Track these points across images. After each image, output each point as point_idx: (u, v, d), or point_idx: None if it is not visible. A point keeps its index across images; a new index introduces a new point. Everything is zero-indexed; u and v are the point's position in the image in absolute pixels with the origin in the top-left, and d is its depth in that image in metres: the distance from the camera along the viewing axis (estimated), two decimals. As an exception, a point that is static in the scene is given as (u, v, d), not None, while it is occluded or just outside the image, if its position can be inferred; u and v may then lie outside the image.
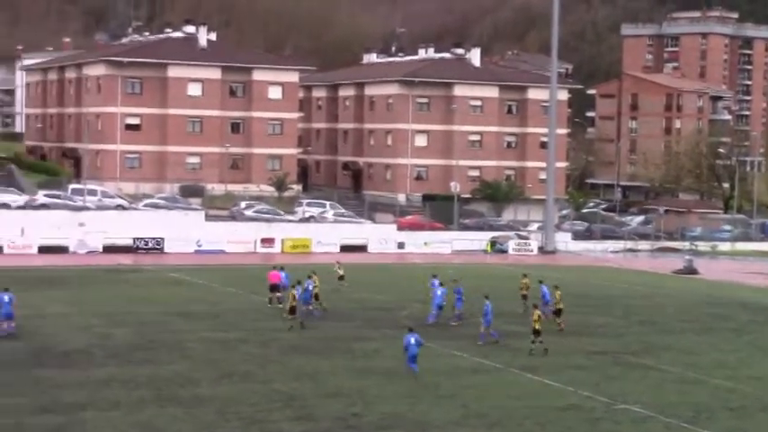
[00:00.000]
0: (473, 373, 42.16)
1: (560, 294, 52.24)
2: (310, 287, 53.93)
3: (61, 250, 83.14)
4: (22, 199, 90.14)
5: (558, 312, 51.96)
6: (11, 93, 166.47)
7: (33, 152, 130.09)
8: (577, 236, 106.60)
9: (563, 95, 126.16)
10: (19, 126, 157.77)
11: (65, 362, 41.82)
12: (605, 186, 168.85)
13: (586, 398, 38.33)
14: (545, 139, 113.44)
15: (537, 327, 45.84)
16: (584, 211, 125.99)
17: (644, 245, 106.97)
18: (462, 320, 52.94)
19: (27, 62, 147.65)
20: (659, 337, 51.92)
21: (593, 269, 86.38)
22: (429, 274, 58.44)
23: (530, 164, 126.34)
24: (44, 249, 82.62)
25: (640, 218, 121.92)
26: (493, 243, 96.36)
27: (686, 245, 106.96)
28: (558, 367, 43.69)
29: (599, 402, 37.73)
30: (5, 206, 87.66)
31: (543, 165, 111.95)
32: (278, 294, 56.41)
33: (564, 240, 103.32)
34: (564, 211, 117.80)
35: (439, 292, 53.25)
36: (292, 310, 50.53)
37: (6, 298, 47.86)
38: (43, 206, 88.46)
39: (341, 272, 65.99)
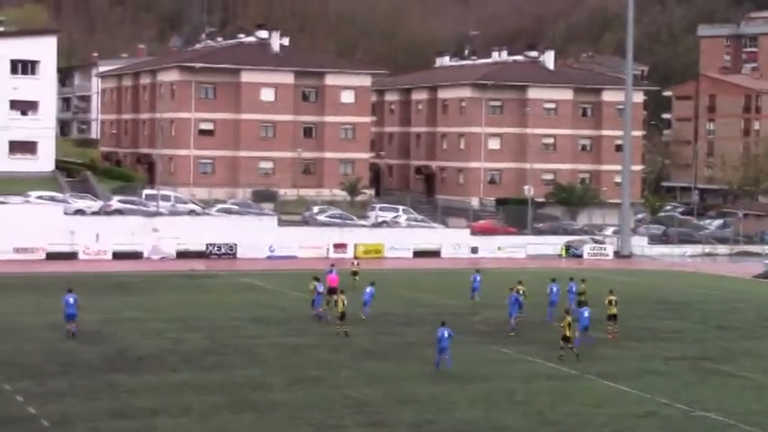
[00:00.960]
0: (548, 380, 41.79)
1: (615, 300, 51.48)
2: (320, 289, 54.33)
3: (135, 256, 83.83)
4: (96, 205, 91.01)
5: (612, 318, 51.21)
6: (87, 99, 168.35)
7: (108, 158, 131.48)
8: (654, 240, 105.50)
9: (638, 98, 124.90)
10: (94, 132, 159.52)
11: (138, 367, 42.10)
12: (682, 189, 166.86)
13: (664, 405, 37.77)
14: (620, 142, 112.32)
15: (567, 333, 45.33)
16: (661, 214, 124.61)
17: (722, 249, 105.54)
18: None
19: (102, 69, 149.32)
20: (738, 343, 51.10)
21: (669, 274, 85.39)
22: (549, 279, 58.56)
23: (605, 167, 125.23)
24: (119, 255, 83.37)
25: (718, 221, 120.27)
26: (567, 247, 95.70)
27: (766, 249, 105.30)
28: (635, 374, 43.17)
29: (677, 410, 37.15)
30: (81, 212, 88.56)
31: (618, 168, 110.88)
32: (334, 298, 55.28)
33: (640, 245, 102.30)
34: (640, 215, 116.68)
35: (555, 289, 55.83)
36: (342, 316, 50.19)
37: (71, 300, 48.50)
38: (118, 212, 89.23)
39: (355, 268, 68.56)
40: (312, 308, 54.78)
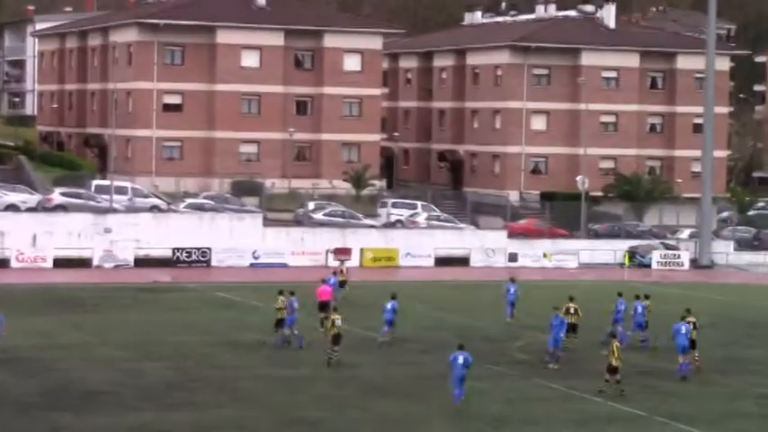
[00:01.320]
0: (608, 423, 41.89)
1: (694, 322, 51.50)
2: (295, 304, 54.80)
3: (82, 264, 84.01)
4: (33, 199, 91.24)
5: (691, 344, 51.28)
6: (20, 65, 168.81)
7: (48, 140, 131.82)
8: (742, 245, 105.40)
9: (723, 64, 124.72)
10: (30, 107, 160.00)
11: (86, 405, 42.23)
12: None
13: (755, 456, 37.86)
14: (700, 121, 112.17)
15: (615, 363, 45.72)
16: (751, 213, 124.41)
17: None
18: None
19: (40, 26, 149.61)
20: None
21: (761, 289, 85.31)
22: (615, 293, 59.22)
23: (679, 153, 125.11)
24: (61, 262, 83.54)
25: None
26: (631, 255, 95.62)
27: None
28: (718, 416, 43.23)
29: (772, 462, 37.24)
30: (14, 208, 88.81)
31: (697, 154, 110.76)
32: (326, 314, 56.91)
33: (724, 251, 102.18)
34: (724, 214, 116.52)
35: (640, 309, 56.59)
36: (336, 340, 50.37)
37: None
38: (60, 208, 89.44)
39: (343, 277, 69.27)
40: (276, 329, 54.89)
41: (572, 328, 54.10)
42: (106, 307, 66.70)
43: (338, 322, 50.45)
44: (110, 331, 58.16)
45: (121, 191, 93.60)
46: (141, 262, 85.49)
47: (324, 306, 58.22)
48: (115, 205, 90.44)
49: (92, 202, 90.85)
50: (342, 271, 71.25)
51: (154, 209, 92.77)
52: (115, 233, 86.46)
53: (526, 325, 61.74)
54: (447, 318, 65.06)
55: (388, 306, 56.81)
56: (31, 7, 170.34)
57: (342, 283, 68.85)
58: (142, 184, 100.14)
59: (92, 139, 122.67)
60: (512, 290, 64.87)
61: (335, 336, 50.23)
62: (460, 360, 43.67)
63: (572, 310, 54.88)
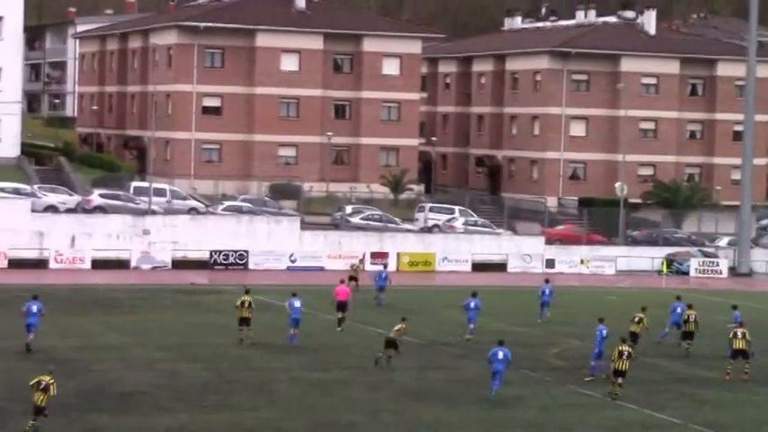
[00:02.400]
0: (643, 430, 41.81)
1: (744, 332, 51.31)
2: (296, 303, 56.05)
3: (120, 265, 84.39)
4: (72, 200, 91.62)
5: (739, 354, 51.05)
6: (61, 67, 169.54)
7: (87, 141, 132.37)
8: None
9: (764, 71, 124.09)
10: (70, 109, 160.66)
11: (123, 406, 42.42)
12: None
13: (791, 465, 37.72)
14: (740, 129, 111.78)
15: (622, 367, 46.32)
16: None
17: None
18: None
19: (81, 28, 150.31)
20: None
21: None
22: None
23: (719, 160, 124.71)
24: (99, 264, 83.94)
25: None
26: (670, 262, 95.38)
27: None
28: (754, 424, 43.17)
29: (807, 471, 37.09)
30: (53, 209, 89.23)
31: (737, 161, 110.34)
32: (344, 315, 60.56)
33: (763, 259, 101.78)
34: (764, 222, 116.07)
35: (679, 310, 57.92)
36: (389, 344, 51.05)
37: (34, 308, 50.75)
38: (99, 209, 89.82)
39: (353, 272, 73.36)
40: (241, 328, 55.44)
41: (633, 338, 53.71)
42: (143, 308, 66.97)
43: (398, 326, 51.10)
44: (147, 332, 58.39)
45: (160, 193, 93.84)
46: (179, 264, 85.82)
47: (342, 306, 60.28)
48: (154, 207, 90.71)
49: (130, 204, 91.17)
50: (354, 266, 74.74)
51: (192, 211, 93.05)
52: (153, 235, 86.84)
53: (562, 332, 61.69)
54: (483, 323, 64.88)
55: (471, 304, 59.08)
56: (72, 9, 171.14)
57: (352, 279, 72.02)
58: (181, 187, 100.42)
59: (131, 141, 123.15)
60: (546, 291, 66.10)
61: (388, 341, 50.52)
62: (500, 355, 45.37)
63: (636, 320, 54.79)
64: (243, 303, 55.77)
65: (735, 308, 58.39)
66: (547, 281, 68.92)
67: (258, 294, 72.96)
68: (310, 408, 43.07)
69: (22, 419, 38.49)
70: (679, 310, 58.43)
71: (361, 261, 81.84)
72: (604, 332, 50.37)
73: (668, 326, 59.11)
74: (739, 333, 51.35)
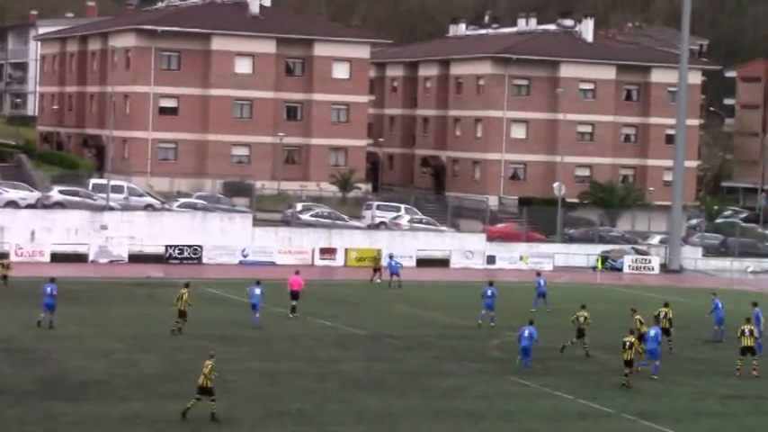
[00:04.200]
0: (579, 419, 41.97)
1: (751, 329, 51.66)
2: (256, 291, 58.70)
3: (79, 259, 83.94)
4: (33, 196, 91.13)
5: (751, 350, 51.44)
6: (22, 67, 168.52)
7: (48, 139, 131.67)
8: (710, 252, 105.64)
9: (695, 78, 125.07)
10: (31, 108, 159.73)
11: (81, 394, 42.22)
12: (746, 191, 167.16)
13: (718, 453, 37.95)
14: (672, 132, 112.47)
15: (628, 357, 46.93)
16: (719, 221, 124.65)
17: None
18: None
19: (42, 30, 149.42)
20: (810, 380, 51.25)
21: (727, 293, 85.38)
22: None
23: (652, 162, 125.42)
24: (58, 257, 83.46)
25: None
26: (604, 259, 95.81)
27: None
28: (684, 414, 43.33)
29: (734, 459, 37.32)
30: (13, 204, 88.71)
31: (669, 163, 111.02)
32: (296, 303, 61.92)
33: (692, 257, 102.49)
34: (693, 221, 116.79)
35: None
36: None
37: (49, 289, 54.94)
38: (58, 205, 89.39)
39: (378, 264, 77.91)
40: (179, 320, 55.72)
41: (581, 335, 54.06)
42: (101, 301, 66.65)
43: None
44: (104, 324, 58.16)
45: (118, 190, 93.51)
46: (135, 258, 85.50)
47: (294, 295, 61.99)
48: (111, 203, 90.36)
49: (89, 200, 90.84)
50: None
51: (148, 207, 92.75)
52: (111, 230, 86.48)
53: (502, 325, 61.82)
54: (427, 316, 65.09)
55: (489, 292, 61.17)
56: (34, 12, 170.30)
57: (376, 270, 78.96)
58: (138, 184, 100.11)
59: (90, 140, 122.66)
60: (541, 282, 68.57)
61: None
62: (526, 333, 49.10)
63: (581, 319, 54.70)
64: (181, 297, 55.75)
65: (755, 305, 58.10)
66: (538, 273, 72.19)
67: (211, 288, 73.00)
68: (262, 397, 43.02)
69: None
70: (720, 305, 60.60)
71: (379, 253, 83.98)
72: (532, 332, 50.52)
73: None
74: (747, 330, 51.55)
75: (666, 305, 56.95)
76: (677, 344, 56.72)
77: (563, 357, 52.88)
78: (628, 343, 47.20)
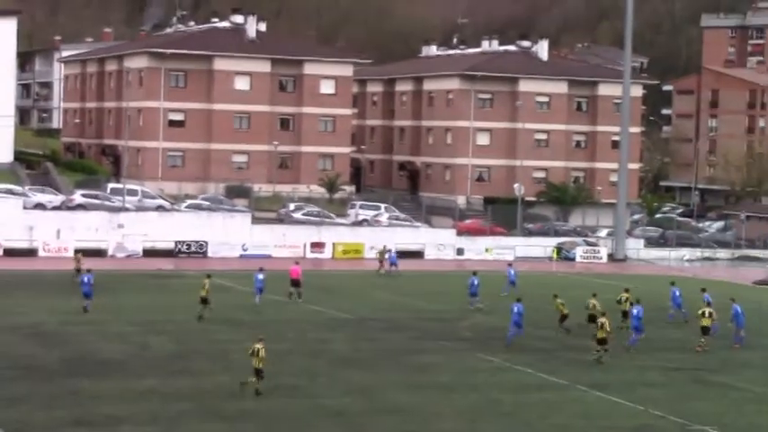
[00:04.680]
0: (538, 390, 41.96)
1: (710, 312, 51.66)
2: (260, 276, 60.33)
3: (98, 254, 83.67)
4: (58, 199, 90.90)
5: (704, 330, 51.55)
6: (48, 86, 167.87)
7: (71, 149, 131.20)
8: (650, 243, 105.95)
9: (637, 91, 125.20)
10: (56, 122, 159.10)
11: (101, 372, 42.10)
12: (681, 190, 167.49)
13: (659, 417, 37.98)
14: (617, 139, 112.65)
15: (601, 335, 46.88)
16: (659, 216, 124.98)
17: (723, 253, 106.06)
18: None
19: (65, 54, 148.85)
20: (739, 354, 51.38)
21: (665, 279, 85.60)
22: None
23: (600, 165, 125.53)
24: (81, 253, 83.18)
25: (719, 224, 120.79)
26: (559, 250, 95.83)
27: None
28: (629, 385, 43.36)
29: (672, 423, 37.36)
30: (41, 206, 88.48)
31: (615, 166, 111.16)
32: (299, 290, 62.12)
33: (636, 248, 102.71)
34: (636, 216, 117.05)
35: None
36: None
37: (86, 278, 56.23)
38: (80, 207, 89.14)
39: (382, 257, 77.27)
40: (203, 306, 55.45)
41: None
42: (118, 290, 66.49)
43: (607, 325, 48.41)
44: (121, 311, 58.01)
45: (132, 193, 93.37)
46: (148, 253, 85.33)
47: (295, 282, 62.58)
48: (127, 205, 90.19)
49: (107, 202, 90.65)
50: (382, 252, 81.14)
51: (160, 208, 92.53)
52: (127, 228, 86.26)
53: (470, 308, 61.85)
54: (405, 301, 65.07)
55: (475, 282, 61.48)
56: (58, 38, 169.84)
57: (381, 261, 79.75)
58: (150, 188, 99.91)
59: (108, 149, 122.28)
60: (512, 272, 68.74)
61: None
62: (515, 309, 50.27)
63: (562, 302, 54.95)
64: (204, 286, 55.61)
65: (704, 290, 58.08)
66: (510, 264, 72.96)
67: (215, 278, 72.82)
68: (260, 373, 42.90)
69: (17, 384, 38.13)
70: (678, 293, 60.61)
71: (385, 248, 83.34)
72: (519, 308, 50.85)
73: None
74: (706, 312, 51.62)
75: (627, 290, 57.06)
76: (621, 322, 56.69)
77: (525, 336, 52.85)
78: (600, 323, 47.25)
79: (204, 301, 55.50)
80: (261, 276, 60.18)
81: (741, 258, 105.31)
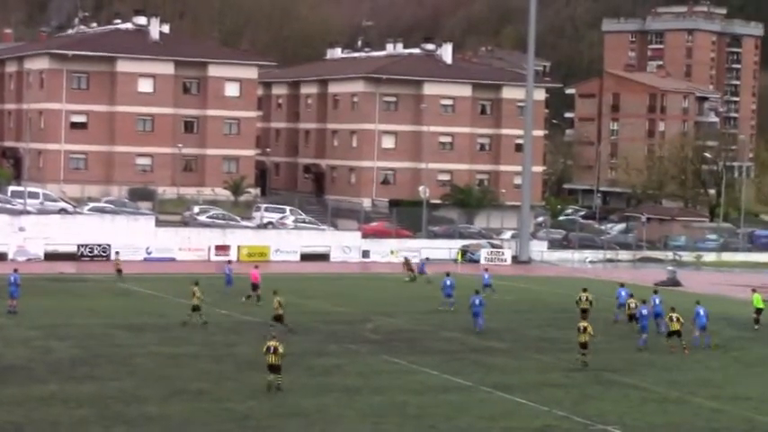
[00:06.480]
0: (443, 392, 42.13)
1: (677, 317, 52.09)
2: (227, 270, 63.76)
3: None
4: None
5: (677, 333, 52.04)
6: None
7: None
8: (554, 245, 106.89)
9: (540, 95, 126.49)
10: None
11: (2, 378, 41.45)
12: (584, 192, 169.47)
13: (563, 418, 38.36)
14: (520, 142, 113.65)
15: (583, 339, 47.43)
16: (562, 218, 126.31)
17: (624, 255, 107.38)
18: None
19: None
20: (641, 354, 52.07)
21: (569, 280, 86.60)
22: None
23: (504, 168, 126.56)
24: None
25: (621, 226, 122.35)
26: (464, 252, 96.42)
27: (669, 255, 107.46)
28: (533, 385, 43.69)
29: (576, 423, 37.76)
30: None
31: (518, 169, 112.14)
32: (257, 293, 62.05)
33: (539, 249, 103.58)
34: (540, 219, 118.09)
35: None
36: (278, 318, 53.09)
37: (12, 279, 57.42)
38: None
39: (410, 264, 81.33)
40: (192, 313, 54.92)
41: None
42: (20, 294, 65.47)
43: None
44: (23, 315, 57.14)
45: (34, 196, 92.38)
46: (50, 256, 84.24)
47: (255, 286, 62.83)
48: (28, 208, 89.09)
49: (8, 205, 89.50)
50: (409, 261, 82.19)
51: (62, 211, 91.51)
52: (28, 231, 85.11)
53: (376, 311, 62.00)
54: (310, 304, 64.99)
55: (448, 282, 62.36)
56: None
57: (410, 269, 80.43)
58: (52, 190, 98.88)
59: (8, 152, 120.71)
60: (486, 276, 69.52)
61: (278, 316, 50.24)
62: (477, 302, 54.08)
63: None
64: (194, 294, 55.06)
65: (656, 292, 59.12)
66: (486, 270, 73.52)
67: (118, 282, 72.11)
68: (165, 378, 42.62)
69: None
70: (624, 294, 60.39)
71: (406, 259, 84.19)
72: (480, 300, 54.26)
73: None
74: (674, 317, 51.98)
75: (585, 290, 58.04)
76: (525, 324, 57.18)
77: (430, 338, 53.01)
78: (582, 327, 47.63)
79: (195, 308, 54.72)
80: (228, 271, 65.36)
81: (642, 260, 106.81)
